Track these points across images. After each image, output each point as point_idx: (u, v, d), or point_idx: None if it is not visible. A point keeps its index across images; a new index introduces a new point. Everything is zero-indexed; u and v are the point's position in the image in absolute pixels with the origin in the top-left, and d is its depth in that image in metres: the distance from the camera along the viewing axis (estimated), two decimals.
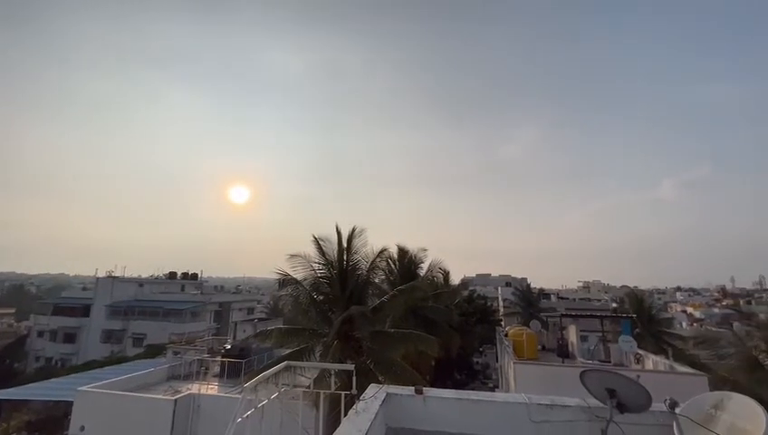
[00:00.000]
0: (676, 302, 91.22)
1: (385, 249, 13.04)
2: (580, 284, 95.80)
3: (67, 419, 15.60)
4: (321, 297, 11.97)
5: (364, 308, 10.97)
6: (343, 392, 4.07)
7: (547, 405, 3.57)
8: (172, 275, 55.87)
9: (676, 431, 2.91)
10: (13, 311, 74.00)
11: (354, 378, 4.10)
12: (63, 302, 49.37)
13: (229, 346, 21.29)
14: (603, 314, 21.63)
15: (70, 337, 44.88)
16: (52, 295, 63.09)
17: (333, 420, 3.94)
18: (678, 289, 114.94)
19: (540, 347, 18.11)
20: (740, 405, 2.81)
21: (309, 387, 5.84)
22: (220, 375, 18.90)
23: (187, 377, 18.78)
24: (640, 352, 15.54)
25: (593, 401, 3.39)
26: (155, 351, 33.70)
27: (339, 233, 11.98)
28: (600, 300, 60.14)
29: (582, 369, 3.46)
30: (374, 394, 3.75)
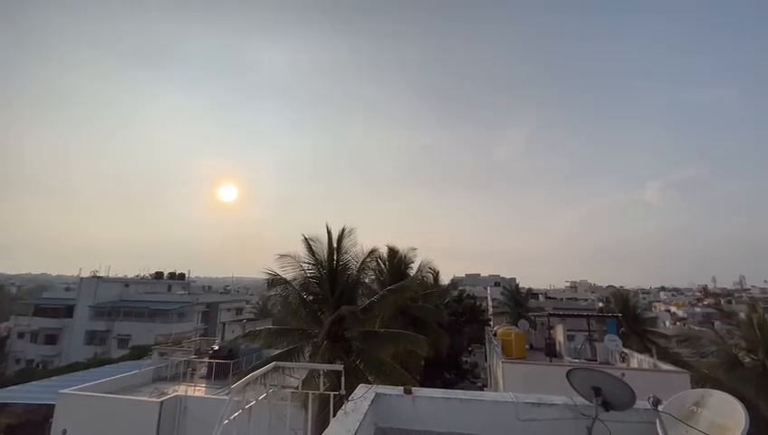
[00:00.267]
0: (660, 301, 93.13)
1: (375, 249, 13.03)
2: (568, 284, 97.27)
3: (48, 422, 15.23)
4: (311, 297, 11.90)
5: (354, 308, 10.94)
6: (332, 393, 4.06)
7: (534, 404, 3.61)
8: (158, 275, 54.99)
9: (659, 428, 2.96)
10: None
11: (343, 378, 4.09)
12: (45, 302, 48.16)
13: (217, 347, 21.02)
14: (590, 314, 22.00)
15: (52, 338, 43.82)
16: (34, 296, 61.31)
17: (322, 421, 3.92)
18: (662, 289, 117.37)
19: (528, 346, 18.33)
20: (720, 402, 2.88)
21: (297, 388, 5.80)
22: (208, 376, 18.64)
23: (174, 379, 18.49)
24: (625, 350, 15.84)
25: (579, 400, 3.43)
26: (140, 352, 33.11)
27: (329, 233, 11.93)
28: (586, 300, 61.05)
29: (569, 368, 3.51)
30: (363, 394, 3.75)
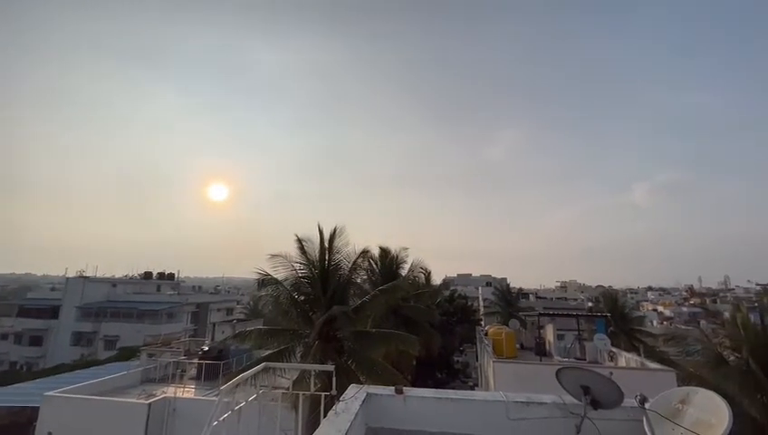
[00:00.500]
0: (647, 301, 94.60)
1: (367, 249, 13.02)
2: (558, 283, 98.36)
3: (33, 425, 14.90)
4: (303, 297, 11.85)
5: (346, 308, 10.91)
6: (323, 393, 4.04)
7: (524, 402, 3.64)
8: (147, 275, 54.24)
9: (645, 426, 3.01)
10: None
11: (334, 378, 4.08)
12: (30, 303, 47.22)
13: (207, 348, 20.81)
14: (579, 313, 22.23)
15: (36, 340, 42.95)
16: (18, 296, 60.11)
17: (313, 422, 3.91)
18: (650, 289, 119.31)
19: (518, 346, 18.47)
20: (705, 399, 2.94)
21: (288, 389, 5.77)
22: (197, 378, 18.44)
23: (163, 380, 18.28)
24: (614, 349, 16.05)
25: (568, 398, 3.47)
26: (128, 353, 32.62)
27: (321, 232, 11.90)
28: (576, 299, 61.81)
29: (559, 367, 3.54)
30: (354, 395, 3.74)
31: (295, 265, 11.67)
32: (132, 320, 42.47)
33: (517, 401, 3.65)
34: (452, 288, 48.31)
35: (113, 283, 49.81)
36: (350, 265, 12.13)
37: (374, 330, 12.43)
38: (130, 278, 53.84)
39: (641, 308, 73.82)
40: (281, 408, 4.17)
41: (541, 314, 19.95)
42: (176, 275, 57.56)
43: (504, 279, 66.22)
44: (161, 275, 55.17)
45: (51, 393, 14.48)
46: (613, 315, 25.25)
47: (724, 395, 2.91)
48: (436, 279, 36.44)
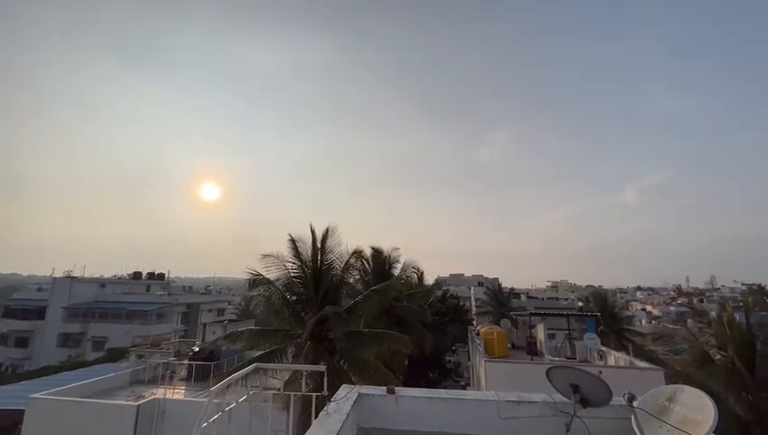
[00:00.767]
0: (636, 300, 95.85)
1: (360, 250, 13.01)
2: (549, 283, 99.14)
3: (18, 428, 14.61)
4: (295, 298, 11.79)
5: (338, 308, 10.89)
6: (314, 394, 4.02)
7: (515, 401, 3.66)
8: (137, 275, 53.51)
9: (633, 424, 3.05)
10: None
11: (326, 379, 4.06)
12: (16, 303, 46.28)
13: (197, 349, 20.60)
14: (570, 313, 22.48)
15: (22, 341, 42.12)
16: (4, 297, 58.77)
17: (304, 423, 3.89)
18: (639, 288, 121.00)
19: (510, 345, 18.57)
20: (691, 397, 2.99)
21: (280, 389, 5.74)
22: (187, 379, 18.24)
23: (152, 381, 18.05)
24: (603, 348, 16.24)
25: (558, 397, 3.50)
26: (117, 355, 32.20)
27: (313, 232, 11.85)
28: (567, 299, 62.40)
29: (550, 366, 3.57)
30: (346, 395, 3.73)
31: (287, 265, 11.61)
32: (121, 321, 41.86)
33: (508, 401, 3.67)
34: (444, 288, 48.39)
35: (102, 283, 49.05)
36: (342, 265, 12.10)
37: (366, 330, 12.41)
38: (119, 278, 53.07)
39: (630, 308, 74.77)
40: (272, 409, 4.14)
41: (532, 314, 20.12)
42: (166, 276, 56.85)
43: (496, 279, 66.63)
44: (151, 276, 54.46)
45: (36, 396, 14.20)
46: (603, 315, 25.56)
47: (710, 393, 2.97)
48: (429, 279, 36.43)
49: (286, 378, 8.89)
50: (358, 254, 12.85)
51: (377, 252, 18.97)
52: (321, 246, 11.82)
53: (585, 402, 3.26)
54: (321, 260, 11.80)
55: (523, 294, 58.30)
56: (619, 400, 3.29)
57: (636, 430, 2.98)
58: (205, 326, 34.38)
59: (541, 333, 18.13)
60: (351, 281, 14.26)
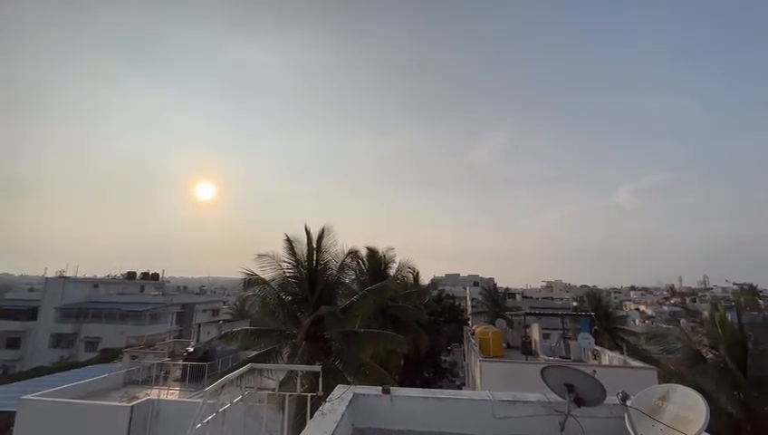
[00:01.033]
0: (630, 300, 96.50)
1: (355, 250, 13.01)
2: (544, 283, 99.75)
3: (9, 430, 14.44)
4: (290, 298, 11.76)
5: (334, 308, 10.87)
6: (310, 394, 4.01)
7: (509, 401, 3.67)
8: (131, 275, 53.10)
9: (627, 423, 3.07)
10: None
11: (321, 379, 4.05)
12: (7, 304, 45.68)
13: (192, 349, 20.49)
14: (564, 313, 22.61)
15: (14, 342, 41.60)
16: None
17: (299, 423, 3.88)
18: (633, 288, 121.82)
19: (505, 345, 18.67)
20: (683, 396, 3.02)
21: (274, 390, 5.72)
22: (182, 379, 18.14)
23: (146, 382, 17.88)
24: (597, 348, 16.36)
25: (553, 396, 3.52)
26: (110, 355, 31.90)
27: (308, 232, 11.83)
28: (561, 299, 62.69)
29: (544, 365, 3.59)
30: (341, 395, 3.72)
31: (283, 264, 11.59)
32: (115, 321, 41.48)
33: (503, 400, 3.68)
34: (440, 288, 48.50)
35: (95, 283, 48.64)
36: (338, 265, 12.09)
37: (362, 330, 12.40)
38: (113, 278, 52.64)
39: (624, 307, 75.29)
40: (267, 409, 4.14)
41: (527, 314, 20.21)
42: (160, 276, 56.50)
43: (492, 279, 66.79)
44: (145, 276, 54.07)
45: (28, 397, 14.04)
46: (597, 315, 25.72)
47: (703, 392, 3.00)
48: (425, 279, 36.53)
49: (281, 378, 8.86)
50: (353, 254, 12.86)
51: (372, 252, 18.98)
52: (316, 245, 11.80)
53: (579, 402, 3.28)
54: (317, 260, 11.78)
55: (519, 293, 58.50)
56: (612, 399, 3.31)
57: (629, 429, 3.01)
58: (199, 326, 34.12)
59: (535, 332, 18.24)
60: (347, 281, 14.26)
